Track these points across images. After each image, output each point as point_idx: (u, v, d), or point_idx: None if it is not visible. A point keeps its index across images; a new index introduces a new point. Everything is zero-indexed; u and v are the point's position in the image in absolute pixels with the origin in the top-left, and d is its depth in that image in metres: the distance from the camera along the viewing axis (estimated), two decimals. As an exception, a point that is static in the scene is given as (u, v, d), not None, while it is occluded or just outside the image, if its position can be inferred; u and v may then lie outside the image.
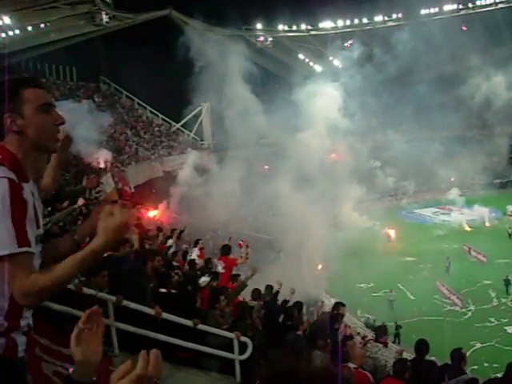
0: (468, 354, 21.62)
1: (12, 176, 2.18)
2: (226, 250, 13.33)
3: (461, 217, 45.66)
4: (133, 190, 35.70)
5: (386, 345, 8.67)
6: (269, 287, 11.74)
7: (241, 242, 15.55)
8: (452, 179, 51.75)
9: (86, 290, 5.79)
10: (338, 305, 10.23)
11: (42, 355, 4.77)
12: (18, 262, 2.11)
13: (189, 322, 6.46)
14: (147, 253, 8.36)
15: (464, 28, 52.37)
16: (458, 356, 7.76)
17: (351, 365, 7.28)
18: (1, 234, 2.08)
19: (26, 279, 2.09)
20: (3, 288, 2.20)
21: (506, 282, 30.75)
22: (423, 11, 55.83)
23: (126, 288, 6.44)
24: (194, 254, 13.97)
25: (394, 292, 28.86)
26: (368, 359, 8.26)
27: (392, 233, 40.61)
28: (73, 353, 1.79)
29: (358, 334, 22.23)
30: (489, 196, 49.23)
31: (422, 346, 8.00)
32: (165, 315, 6.31)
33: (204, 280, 10.29)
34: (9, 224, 2.08)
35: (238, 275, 12.06)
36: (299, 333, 8.87)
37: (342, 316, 10.19)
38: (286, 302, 11.04)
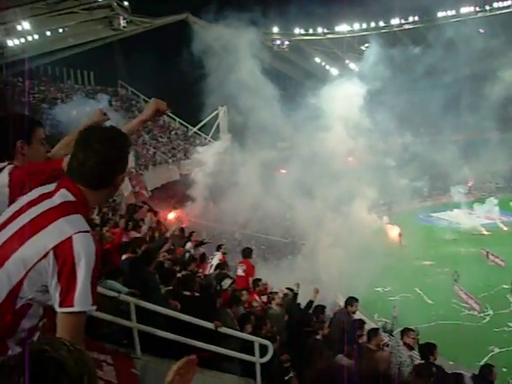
0: (486, 359, 21.64)
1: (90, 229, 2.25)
2: (246, 252, 13.23)
3: (478, 220, 45.33)
4: (150, 194, 35.92)
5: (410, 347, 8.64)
6: (288, 289, 11.70)
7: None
8: (470, 183, 51.45)
9: (108, 292, 5.86)
10: (352, 300, 10.20)
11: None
12: (82, 321, 2.18)
13: (210, 324, 6.51)
14: (151, 251, 8.40)
15: (481, 31, 52.04)
16: (486, 372, 7.71)
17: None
18: (83, 290, 2.13)
19: (81, 342, 2.17)
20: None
21: None
22: (440, 14, 55.57)
23: (142, 289, 6.52)
24: (216, 258, 13.83)
25: (397, 308, 28.18)
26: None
27: (397, 233, 40.42)
28: None
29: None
30: (507, 199, 48.79)
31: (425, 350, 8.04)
32: (186, 317, 6.35)
33: (226, 282, 10.32)
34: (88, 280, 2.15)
35: (260, 280, 11.98)
36: (318, 337, 8.89)
37: (363, 322, 10.20)
38: (311, 302, 11.03)
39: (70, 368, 1.49)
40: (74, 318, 2.14)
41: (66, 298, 2.12)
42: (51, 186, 2.35)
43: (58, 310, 2.14)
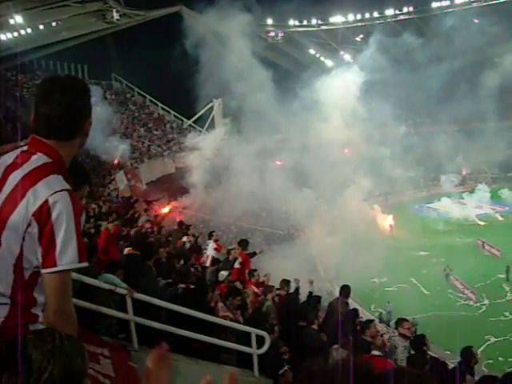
0: (482, 348, 21.78)
1: (68, 186, 2.26)
2: (243, 244, 13.24)
3: (473, 211, 45.42)
4: (145, 187, 35.89)
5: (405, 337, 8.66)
6: (285, 281, 11.73)
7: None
8: (464, 172, 51.52)
9: (104, 285, 5.85)
10: (346, 288, 10.26)
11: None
12: (67, 279, 2.21)
13: (204, 316, 6.51)
14: (152, 246, 8.44)
15: (476, 21, 51.92)
16: (467, 355, 7.77)
17: (376, 352, 7.33)
18: (64, 248, 2.16)
19: (70, 300, 2.24)
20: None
21: (507, 269, 31.25)
22: (434, 4, 55.42)
23: (140, 283, 6.52)
24: (210, 247, 13.89)
25: (392, 304, 28.09)
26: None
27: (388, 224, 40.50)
28: None
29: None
30: (502, 189, 48.88)
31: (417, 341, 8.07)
32: (181, 309, 6.35)
33: (222, 274, 10.35)
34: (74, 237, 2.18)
35: (255, 270, 12.09)
36: (314, 327, 8.91)
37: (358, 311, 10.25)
38: (310, 293, 11.12)
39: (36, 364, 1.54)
40: (57, 277, 2.17)
41: (48, 258, 2.15)
42: (25, 147, 2.35)
43: (42, 271, 2.18)
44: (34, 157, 2.28)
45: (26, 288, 2.24)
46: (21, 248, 2.19)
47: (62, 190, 2.19)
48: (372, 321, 9.62)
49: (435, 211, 46.71)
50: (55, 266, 2.15)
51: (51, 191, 2.17)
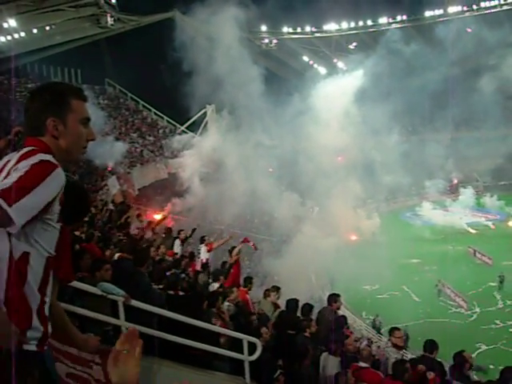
0: (473, 355, 21.69)
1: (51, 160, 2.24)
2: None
3: (465, 219, 45.62)
4: (137, 193, 35.79)
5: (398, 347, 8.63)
6: (275, 287, 11.70)
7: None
8: (455, 181, 51.74)
9: (96, 291, 5.81)
10: (334, 296, 10.21)
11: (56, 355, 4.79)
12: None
13: (197, 322, 6.49)
14: (144, 252, 8.43)
15: (469, 30, 52.30)
16: (459, 359, 7.75)
17: (362, 364, 7.33)
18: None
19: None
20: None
21: (501, 279, 31.38)
22: (428, 13, 55.83)
23: (132, 288, 6.49)
24: (203, 251, 13.97)
25: (380, 317, 28.08)
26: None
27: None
28: (110, 375, 1.78)
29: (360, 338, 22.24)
30: (494, 198, 49.16)
31: (429, 346, 8.03)
32: (174, 315, 6.34)
33: (213, 286, 10.34)
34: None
35: (251, 278, 12.11)
36: (306, 334, 8.91)
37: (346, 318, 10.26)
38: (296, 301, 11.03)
39: None
40: None
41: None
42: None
43: None
44: (22, 150, 2.31)
45: (16, 268, 2.17)
46: (8, 233, 2.13)
47: (46, 161, 2.20)
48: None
49: (426, 219, 46.84)
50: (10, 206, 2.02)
51: (34, 161, 2.17)
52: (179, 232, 15.05)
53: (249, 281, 11.80)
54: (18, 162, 2.20)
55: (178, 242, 14.29)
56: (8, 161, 2.30)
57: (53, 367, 2.41)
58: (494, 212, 46.98)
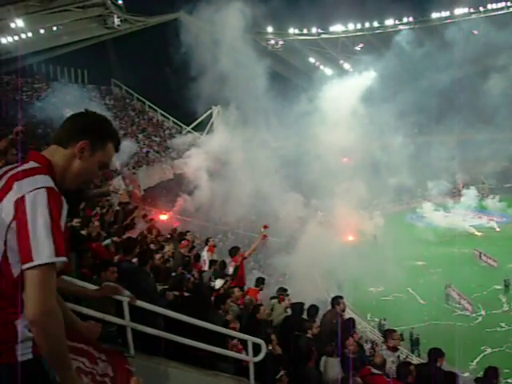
0: (478, 359, 21.76)
1: (51, 184, 2.30)
2: (233, 252, 13.29)
3: (470, 221, 45.53)
4: (142, 193, 35.83)
5: (394, 349, 8.57)
6: (282, 289, 11.69)
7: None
8: (461, 183, 51.57)
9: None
10: (338, 299, 10.11)
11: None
12: (47, 274, 2.18)
13: (202, 323, 6.49)
14: (147, 251, 8.42)
15: (475, 32, 52.21)
16: (492, 373, 7.59)
17: (375, 370, 7.27)
18: (41, 243, 2.16)
19: (52, 297, 2.20)
20: None
21: (506, 283, 31.22)
22: (434, 15, 55.72)
23: (135, 288, 6.50)
24: (205, 251, 13.93)
25: (387, 321, 27.86)
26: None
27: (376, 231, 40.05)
28: None
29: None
30: (499, 200, 49.03)
31: (433, 353, 7.94)
32: (180, 316, 6.34)
33: (218, 283, 10.30)
34: (50, 232, 2.18)
35: (263, 279, 12.06)
36: (309, 335, 8.90)
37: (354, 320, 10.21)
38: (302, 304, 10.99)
39: None
40: (35, 272, 2.15)
41: (24, 253, 2.15)
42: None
43: (21, 267, 2.17)
44: (26, 164, 2.39)
45: (11, 287, 2.24)
46: (5, 243, 2.22)
47: (41, 187, 2.24)
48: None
49: (431, 221, 46.72)
50: (32, 261, 2.14)
51: (31, 188, 2.21)
52: (185, 233, 14.88)
53: (261, 281, 11.73)
54: (20, 177, 2.28)
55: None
56: (9, 170, 2.40)
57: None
58: (500, 214, 46.82)
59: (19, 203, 2.19)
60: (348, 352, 8.20)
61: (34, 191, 2.21)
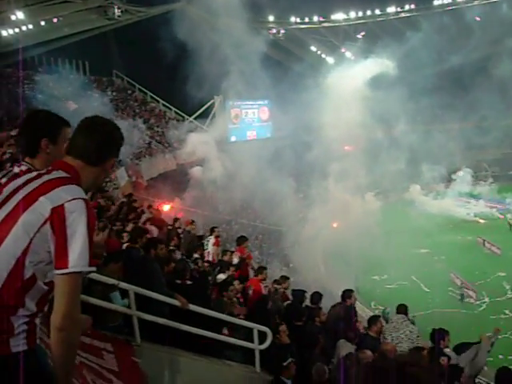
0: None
1: (85, 196, 2.44)
2: (241, 240, 13.23)
3: (474, 208, 45.51)
4: (146, 183, 35.87)
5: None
6: (284, 277, 11.71)
7: None
8: (463, 170, 51.42)
9: (108, 280, 5.84)
10: (349, 292, 9.89)
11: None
12: (77, 282, 2.30)
13: (205, 311, 6.51)
14: (150, 241, 8.43)
15: (478, 19, 51.88)
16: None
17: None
18: (77, 252, 2.28)
19: (79, 306, 2.32)
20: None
21: None
22: (436, 2, 55.34)
23: (142, 276, 6.51)
24: (210, 242, 13.84)
25: (390, 308, 27.77)
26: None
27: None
28: None
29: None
30: (503, 187, 48.94)
31: (437, 334, 7.92)
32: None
33: (221, 277, 10.28)
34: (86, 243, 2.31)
35: (265, 268, 11.89)
36: (316, 323, 8.92)
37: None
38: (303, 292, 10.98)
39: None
40: (68, 279, 2.27)
41: (60, 260, 2.26)
42: (44, 169, 2.59)
43: (55, 272, 2.28)
44: (54, 172, 2.50)
45: (18, 288, 2.29)
46: (28, 244, 2.28)
47: (79, 198, 2.36)
48: (378, 317, 9.41)
49: (435, 209, 46.59)
50: (67, 267, 2.25)
51: (70, 197, 2.34)
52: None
53: (261, 270, 11.43)
54: (52, 186, 2.39)
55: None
56: (27, 171, 2.66)
57: (46, 360, 2.45)
58: (503, 202, 46.71)
59: (59, 211, 2.29)
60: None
61: (73, 201, 2.33)
